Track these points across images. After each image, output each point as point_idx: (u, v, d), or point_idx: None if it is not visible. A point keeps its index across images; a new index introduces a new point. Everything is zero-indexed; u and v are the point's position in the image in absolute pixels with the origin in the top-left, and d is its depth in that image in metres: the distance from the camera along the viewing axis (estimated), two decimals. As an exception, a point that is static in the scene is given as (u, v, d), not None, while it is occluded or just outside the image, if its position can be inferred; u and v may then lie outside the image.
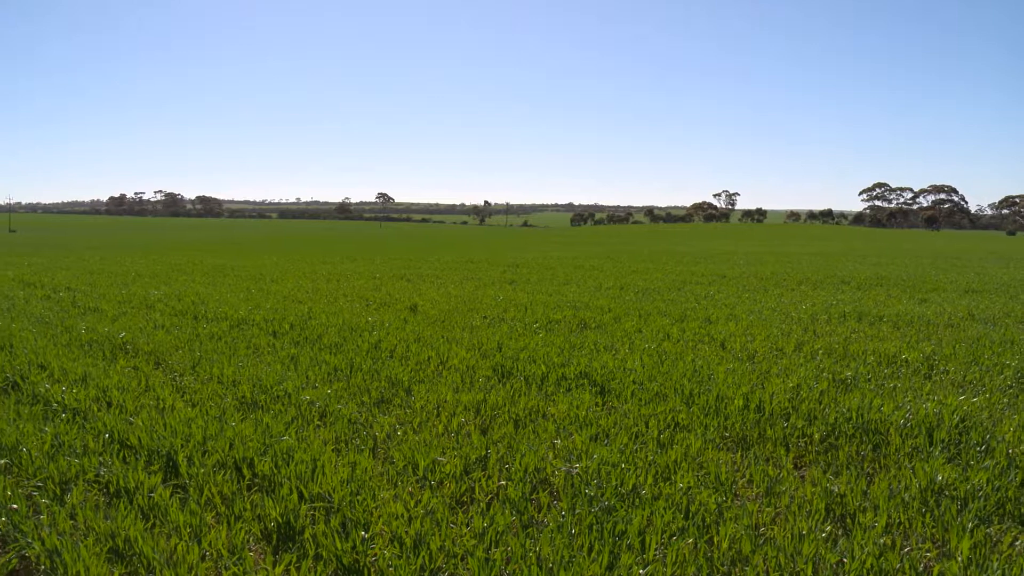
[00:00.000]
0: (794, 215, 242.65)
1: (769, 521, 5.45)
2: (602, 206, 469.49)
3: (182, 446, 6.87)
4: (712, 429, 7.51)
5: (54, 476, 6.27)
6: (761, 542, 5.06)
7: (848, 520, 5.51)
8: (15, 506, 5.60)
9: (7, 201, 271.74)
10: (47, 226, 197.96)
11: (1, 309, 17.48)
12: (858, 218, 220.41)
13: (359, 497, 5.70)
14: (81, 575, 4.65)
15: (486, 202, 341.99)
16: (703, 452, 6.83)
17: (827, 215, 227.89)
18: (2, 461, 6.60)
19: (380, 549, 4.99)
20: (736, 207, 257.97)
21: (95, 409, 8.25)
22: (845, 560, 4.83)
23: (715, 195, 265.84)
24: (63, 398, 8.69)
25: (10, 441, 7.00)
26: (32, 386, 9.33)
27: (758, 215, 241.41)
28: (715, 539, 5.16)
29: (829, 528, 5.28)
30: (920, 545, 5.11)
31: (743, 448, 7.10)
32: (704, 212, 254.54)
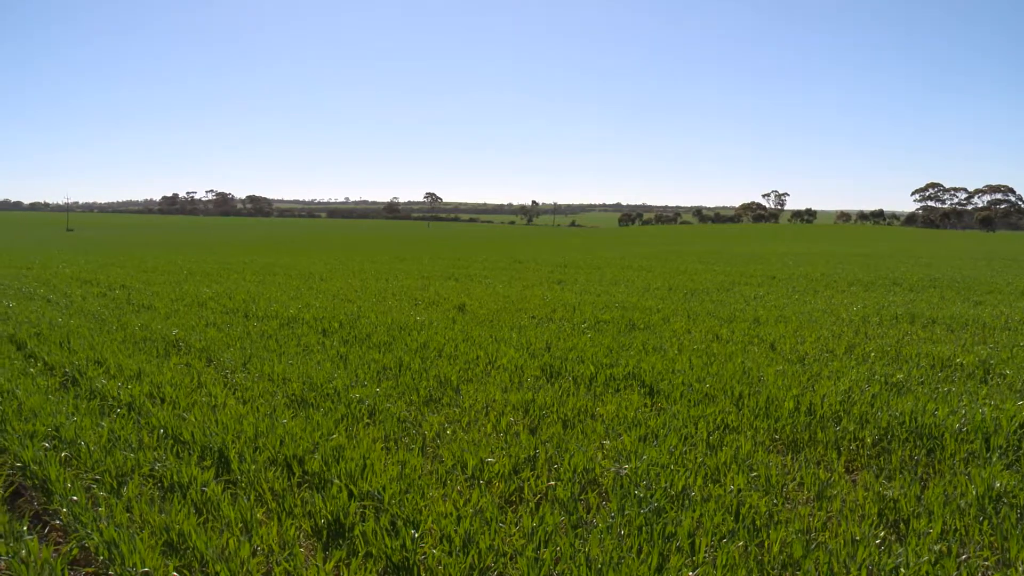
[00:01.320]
0: (844, 216, 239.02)
1: (820, 525, 5.38)
2: (650, 206, 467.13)
3: (233, 442, 6.96)
4: (762, 431, 7.45)
5: (111, 469, 6.39)
6: (813, 547, 5.00)
7: (902, 526, 5.43)
8: (75, 498, 5.72)
9: (65, 201, 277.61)
10: (102, 225, 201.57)
11: (60, 306, 17.86)
12: (910, 219, 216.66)
13: (408, 496, 5.73)
14: (137, 567, 4.73)
15: (534, 202, 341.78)
16: (753, 454, 6.77)
17: (878, 216, 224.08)
18: (63, 454, 6.74)
19: (429, 548, 5.01)
20: (785, 207, 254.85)
21: (149, 405, 8.40)
22: (900, 567, 4.75)
23: (764, 195, 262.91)
24: (119, 393, 8.86)
25: (69, 435, 7.15)
26: (89, 381, 9.52)
27: (808, 215, 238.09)
28: (766, 543, 5.11)
29: (883, 533, 5.20)
30: (978, 553, 5.01)
31: (793, 451, 7.04)
32: (753, 212, 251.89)
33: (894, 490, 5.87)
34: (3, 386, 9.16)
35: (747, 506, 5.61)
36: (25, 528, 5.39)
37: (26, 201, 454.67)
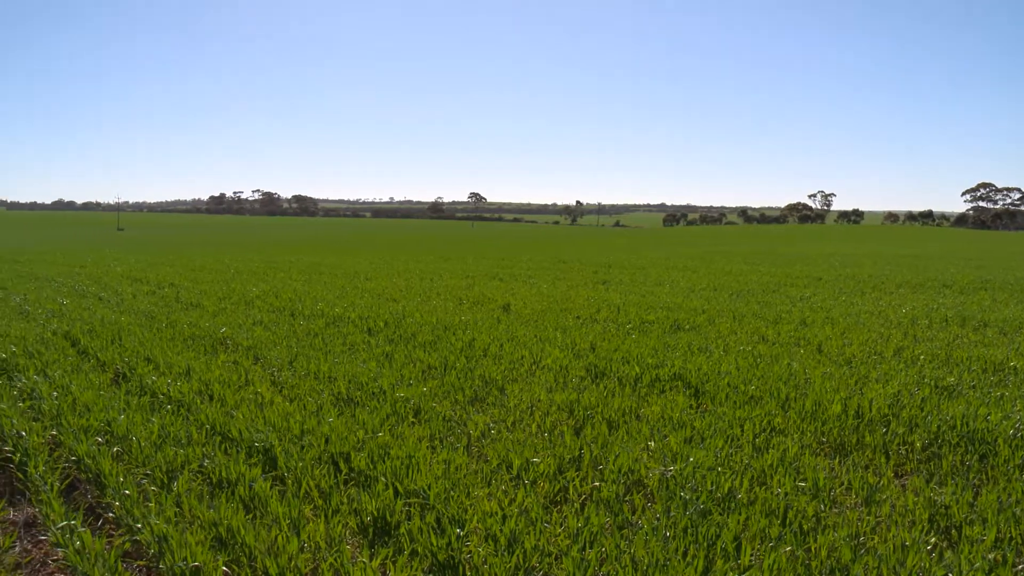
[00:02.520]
0: (892, 216, 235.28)
1: (869, 531, 5.32)
2: (695, 206, 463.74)
3: (280, 440, 7.04)
4: (809, 434, 7.37)
5: (161, 465, 6.49)
6: (862, 552, 4.94)
7: (954, 532, 5.34)
8: (127, 492, 5.82)
9: (116, 201, 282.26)
10: (151, 224, 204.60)
11: (111, 304, 18.18)
12: (960, 219, 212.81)
13: (453, 494, 5.75)
14: (188, 561, 4.80)
15: (578, 202, 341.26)
16: (800, 457, 6.70)
17: (927, 216, 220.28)
18: (115, 449, 6.86)
19: (475, 547, 5.02)
20: (832, 208, 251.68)
21: (198, 402, 8.52)
22: (952, 575, 4.67)
23: (810, 196, 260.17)
24: (168, 390, 9.00)
25: (121, 430, 7.28)
26: (139, 378, 9.68)
27: (854, 216, 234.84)
28: (813, 547, 5.06)
29: (934, 540, 5.12)
30: (1034, 562, 4.92)
31: (841, 454, 6.95)
32: (799, 213, 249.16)
33: (945, 496, 5.77)
34: (58, 381, 9.35)
35: (794, 510, 5.56)
36: (80, 520, 5.50)
37: (79, 201, 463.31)
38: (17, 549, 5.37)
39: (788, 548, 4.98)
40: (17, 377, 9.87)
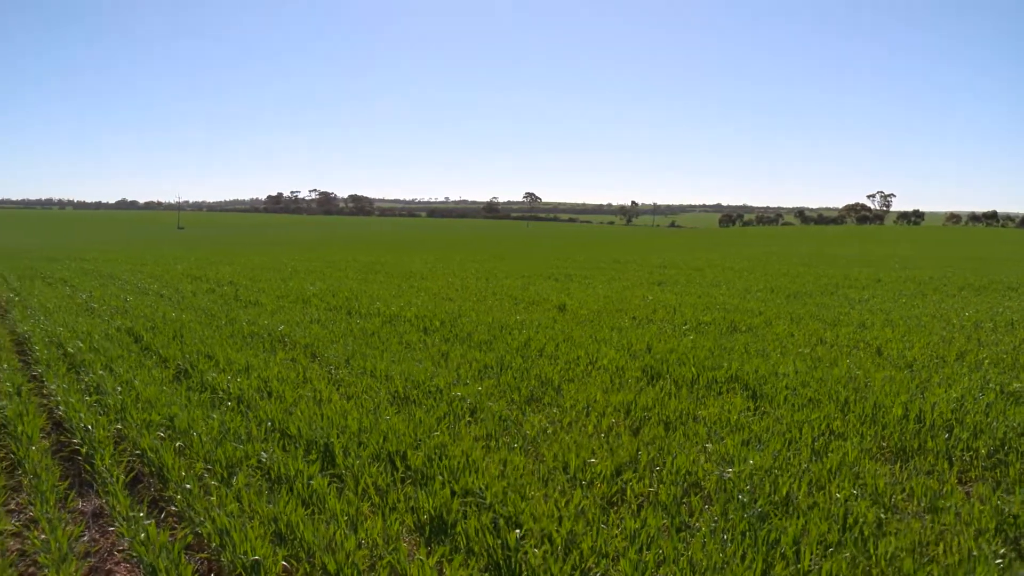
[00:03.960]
0: (954, 217, 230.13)
1: (933, 539, 5.20)
2: (751, 207, 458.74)
3: (338, 437, 7.11)
4: (869, 438, 7.25)
5: (221, 460, 6.59)
6: (925, 561, 4.84)
7: (1023, 543, 5.21)
8: (189, 486, 5.93)
9: (176, 200, 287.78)
10: (211, 223, 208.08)
11: (172, 301, 18.52)
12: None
13: (510, 495, 5.75)
14: (248, 555, 4.87)
15: (633, 202, 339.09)
16: (859, 462, 6.59)
17: (991, 217, 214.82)
18: (177, 443, 6.99)
19: (531, 547, 5.01)
20: (891, 209, 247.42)
21: (257, 398, 8.64)
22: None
23: (869, 196, 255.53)
24: (228, 387, 9.15)
25: (183, 425, 7.41)
26: (200, 374, 9.86)
27: (915, 217, 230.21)
28: (874, 554, 4.96)
29: (1002, 550, 4.99)
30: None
31: (902, 459, 6.82)
32: (857, 214, 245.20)
33: (1014, 505, 5.63)
34: (123, 376, 9.55)
35: (854, 515, 5.46)
36: (144, 513, 5.61)
37: (141, 200, 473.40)
38: (86, 538, 5.50)
39: (848, 554, 4.91)
40: (84, 372, 10.11)
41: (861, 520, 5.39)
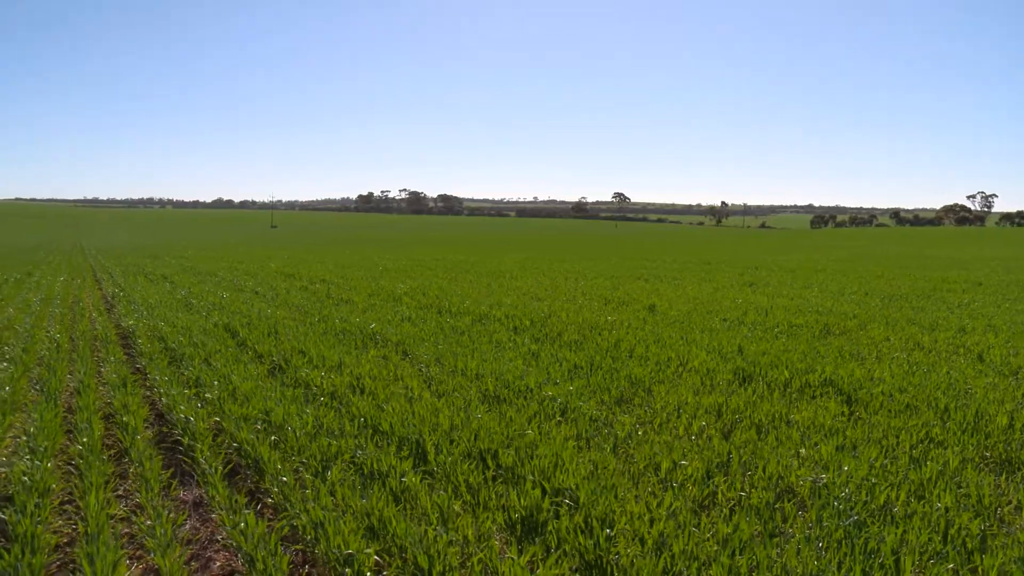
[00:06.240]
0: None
1: (1045, 554, 4.99)
2: (844, 208, 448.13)
3: (430, 434, 7.16)
4: (971, 447, 6.99)
5: (316, 454, 6.71)
6: (1035, 575, 4.65)
7: None
8: (284, 479, 6.06)
9: (270, 199, 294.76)
10: (303, 222, 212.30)
11: (266, 298, 18.96)
12: None
13: (601, 495, 5.71)
14: (341, 548, 4.94)
15: (723, 203, 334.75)
16: (961, 471, 6.37)
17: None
18: (272, 437, 7.14)
19: (623, 548, 4.98)
20: (993, 210, 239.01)
21: (349, 395, 8.77)
22: None
23: (968, 196, 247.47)
24: (321, 383, 9.31)
25: (278, 419, 7.57)
26: (294, 370, 10.06)
27: (1018, 218, 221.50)
28: (979, 568, 4.79)
29: (1118, 567, 4.77)
30: None
31: (1008, 470, 6.56)
32: (956, 215, 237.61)
33: None
34: (220, 371, 9.81)
35: (956, 526, 5.28)
36: (243, 503, 5.75)
37: (236, 199, 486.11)
38: (187, 527, 5.66)
39: (951, 566, 4.75)
40: (184, 365, 10.42)
41: (964, 531, 5.21)
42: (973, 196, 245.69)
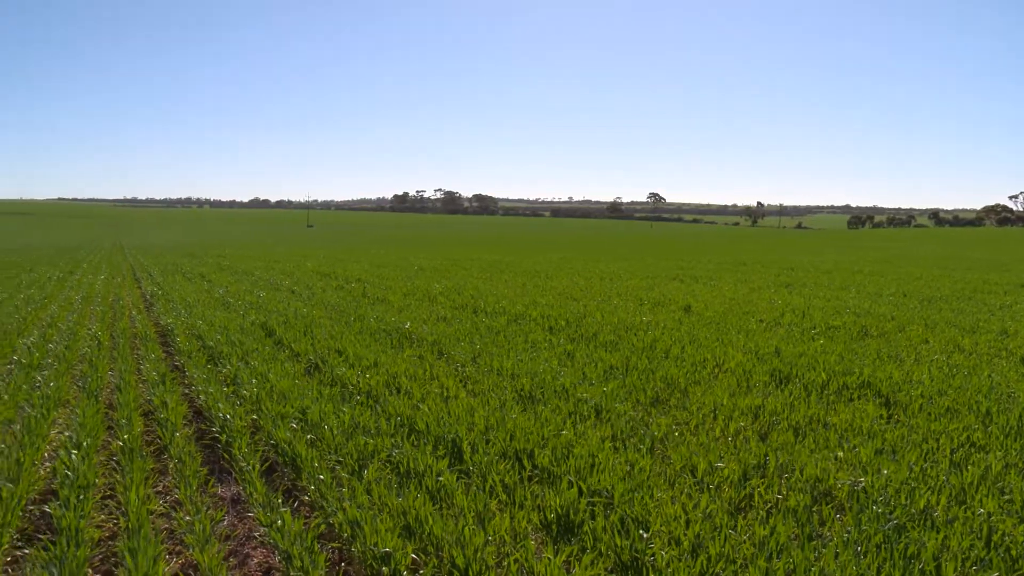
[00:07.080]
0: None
1: (1092, 562, 4.91)
2: (882, 208, 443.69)
3: (466, 433, 7.17)
4: (1014, 452, 6.88)
5: (352, 453, 6.74)
6: (1081, 583, 4.57)
7: None
8: (321, 477, 6.10)
9: (306, 199, 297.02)
10: (338, 222, 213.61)
11: (303, 297, 19.09)
12: None
13: (637, 496, 5.69)
14: (379, 546, 4.96)
15: (759, 203, 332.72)
16: (1004, 476, 6.27)
17: None
18: (309, 436, 7.19)
19: (658, 549, 4.96)
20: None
21: (386, 394, 8.81)
22: None
23: (1011, 197, 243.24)
24: (358, 382, 9.36)
25: (314, 418, 7.62)
26: (331, 369, 10.11)
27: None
28: (1025, 575, 4.72)
29: None
30: None
31: (1054, 477, 6.45)
32: (997, 216, 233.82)
33: None
34: (257, 369, 9.89)
35: (1000, 532, 5.20)
36: (280, 501, 5.80)
37: (273, 199, 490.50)
38: (225, 523, 5.72)
39: (995, 574, 4.68)
40: (222, 363, 10.52)
41: (1008, 538, 5.13)
42: (1016, 196, 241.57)
